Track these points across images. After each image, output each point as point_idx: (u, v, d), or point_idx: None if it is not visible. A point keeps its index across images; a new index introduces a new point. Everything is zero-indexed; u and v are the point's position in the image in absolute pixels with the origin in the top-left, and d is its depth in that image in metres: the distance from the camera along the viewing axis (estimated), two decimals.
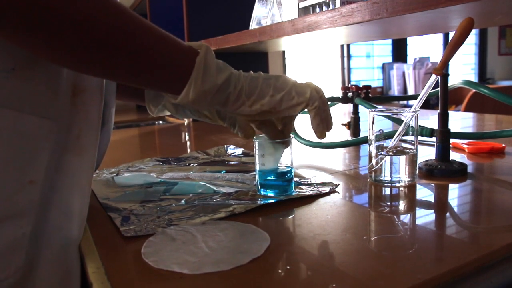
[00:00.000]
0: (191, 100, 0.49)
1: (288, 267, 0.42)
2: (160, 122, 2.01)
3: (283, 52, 2.85)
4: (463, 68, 5.29)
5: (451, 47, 0.62)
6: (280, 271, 0.41)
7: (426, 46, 4.57)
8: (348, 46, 3.87)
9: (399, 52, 4.48)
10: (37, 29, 0.38)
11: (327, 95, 1.19)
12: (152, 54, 0.46)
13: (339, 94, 1.13)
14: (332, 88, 3.75)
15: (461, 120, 1.60)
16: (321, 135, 0.60)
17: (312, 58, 3.75)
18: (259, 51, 1.79)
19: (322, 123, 0.58)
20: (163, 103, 0.64)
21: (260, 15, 1.27)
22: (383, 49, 4.57)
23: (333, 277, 0.40)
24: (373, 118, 0.70)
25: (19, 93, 0.46)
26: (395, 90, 4.06)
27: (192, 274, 0.40)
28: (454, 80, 0.90)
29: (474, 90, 3.09)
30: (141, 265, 0.43)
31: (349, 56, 3.91)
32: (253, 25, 1.28)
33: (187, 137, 1.43)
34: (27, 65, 0.46)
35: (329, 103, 1.19)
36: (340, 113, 1.70)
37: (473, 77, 5.36)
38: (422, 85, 3.80)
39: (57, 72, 0.49)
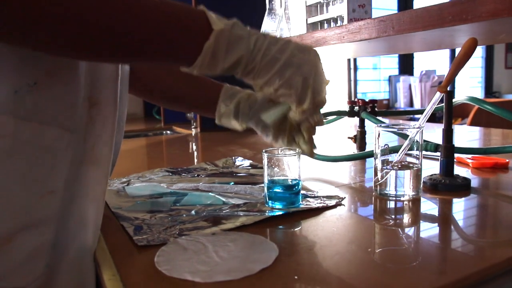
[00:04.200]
0: (197, 73, 0.50)
1: (296, 277, 0.44)
2: (168, 132, 2.04)
3: None
4: (470, 81, 5.30)
5: (455, 66, 0.64)
6: (288, 280, 0.43)
7: (432, 59, 4.59)
8: (355, 58, 3.90)
9: (406, 64, 4.51)
10: (39, 25, 0.39)
11: (334, 108, 1.21)
12: (159, 41, 0.46)
13: (346, 107, 1.15)
14: (338, 99, 3.77)
15: (467, 133, 1.61)
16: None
17: None
18: None
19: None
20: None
21: (269, 29, 1.29)
22: (390, 62, 4.60)
23: (339, 287, 0.41)
24: (379, 133, 0.72)
25: (41, 106, 0.48)
26: (401, 103, 4.08)
27: (204, 283, 0.42)
28: (459, 96, 0.91)
29: None
30: (154, 273, 0.45)
31: (355, 68, 3.93)
32: None
33: (194, 148, 1.45)
34: (48, 79, 0.48)
35: (334, 117, 1.21)
36: (347, 126, 1.71)
37: (479, 90, 5.37)
38: (428, 98, 3.81)
39: (75, 85, 0.51)
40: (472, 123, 2.74)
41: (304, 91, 0.54)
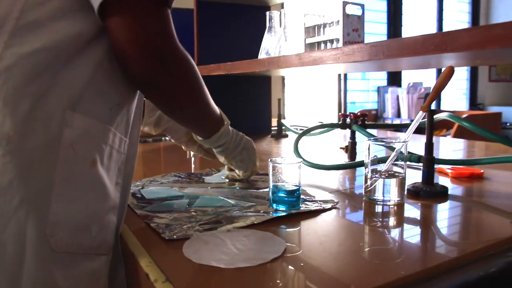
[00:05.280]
0: (207, 144, 0.86)
1: (301, 264, 0.54)
2: (167, 138, 2.13)
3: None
4: (456, 93, 5.46)
5: (435, 90, 0.75)
6: (296, 267, 0.53)
7: (419, 72, 4.74)
8: None
9: (394, 76, 4.65)
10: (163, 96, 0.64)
11: (324, 118, 1.32)
12: (205, 119, 0.79)
13: (335, 116, 1.26)
14: (328, 108, 3.89)
15: (452, 144, 1.73)
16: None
17: (309, 80, 3.89)
18: (264, 75, 1.92)
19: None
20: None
21: (268, 46, 1.40)
22: (379, 73, 4.73)
23: (336, 272, 0.51)
24: (369, 145, 0.82)
25: (119, 121, 0.63)
26: (389, 113, 4.21)
27: (228, 268, 0.52)
28: (446, 106, 1.02)
29: (463, 116, 3.24)
30: (184, 261, 0.55)
31: (345, 79, 4.06)
32: (261, 55, 1.41)
33: (191, 154, 1.52)
34: (127, 100, 0.64)
35: (325, 129, 1.32)
36: (337, 137, 1.82)
37: (464, 101, 5.53)
38: (414, 109, 3.95)
39: (139, 104, 0.69)
40: (456, 135, 2.88)
41: (249, 165, 0.96)
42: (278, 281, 0.50)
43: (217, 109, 0.81)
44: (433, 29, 4.94)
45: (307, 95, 3.87)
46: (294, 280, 0.51)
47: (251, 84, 1.91)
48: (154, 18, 0.57)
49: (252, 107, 1.97)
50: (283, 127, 1.89)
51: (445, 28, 5.01)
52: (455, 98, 5.47)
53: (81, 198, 0.58)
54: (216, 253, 0.56)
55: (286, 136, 1.88)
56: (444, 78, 0.73)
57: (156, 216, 0.73)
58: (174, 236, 0.63)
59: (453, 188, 0.92)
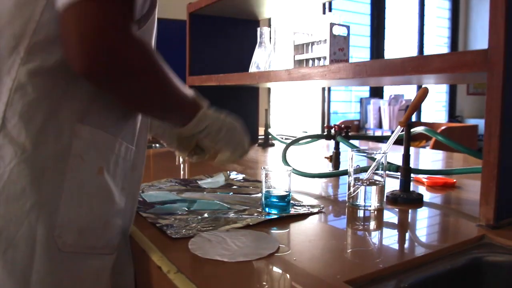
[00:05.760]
0: (183, 134, 0.78)
1: (294, 259, 0.62)
2: (157, 145, 2.19)
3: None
4: (435, 105, 5.63)
5: (412, 108, 0.84)
6: (289, 261, 0.61)
7: (401, 85, 4.89)
8: None
9: (376, 88, 4.79)
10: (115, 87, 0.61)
11: (309, 129, 1.40)
12: (177, 107, 0.73)
13: (319, 128, 1.34)
14: (312, 118, 4.00)
15: (432, 155, 1.83)
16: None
17: (294, 90, 3.99)
18: (252, 86, 2.00)
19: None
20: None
21: (259, 60, 1.48)
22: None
23: (324, 265, 0.60)
24: (353, 156, 0.90)
25: (126, 130, 0.69)
26: (371, 124, 4.33)
27: (230, 262, 0.60)
28: (417, 128, 1.11)
29: (442, 128, 3.35)
30: (191, 256, 0.62)
31: (329, 90, 4.17)
32: (252, 68, 1.50)
33: (181, 161, 1.58)
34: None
35: (310, 139, 1.40)
36: (320, 147, 1.91)
37: (444, 114, 5.70)
38: (396, 120, 4.07)
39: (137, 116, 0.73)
40: (435, 146, 3.00)
41: (237, 147, 0.83)
42: (273, 273, 0.58)
43: (189, 93, 0.75)
44: (414, 40, 5.10)
45: (291, 104, 3.96)
46: (287, 272, 0.59)
47: (239, 94, 1.99)
48: (97, 9, 0.55)
49: (240, 116, 2.04)
50: (270, 136, 1.97)
51: (426, 40, 5.17)
52: (435, 110, 5.64)
53: (87, 203, 0.63)
54: (219, 249, 0.64)
55: (273, 145, 1.96)
56: (419, 97, 0.82)
57: (160, 217, 0.81)
58: (178, 235, 0.71)
59: (428, 196, 1.01)
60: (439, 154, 1.82)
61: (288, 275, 0.58)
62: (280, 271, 0.59)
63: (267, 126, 1.98)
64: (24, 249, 0.58)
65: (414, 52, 5.04)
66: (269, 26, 2.98)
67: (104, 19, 0.55)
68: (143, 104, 0.67)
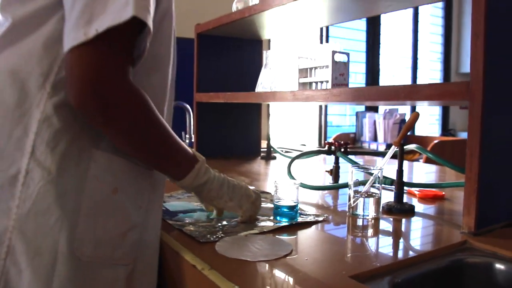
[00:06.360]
0: (184, 187, 0.85)
1: (306, 259, 0.73)
2: None
3: None
4: (429, 118, 5.79)
5: (404, 130, 0.97)
6: (301, 260, 0.73)
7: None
8: None
9: None
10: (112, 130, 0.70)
11: (307, 142, 1.52)
12: (171, 158, 0.80)
13: (315, 140, 1.46)
14: (309, 131, 4.12)
15: (425, 169, 1.95)
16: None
17: (292, 104, 4.11)
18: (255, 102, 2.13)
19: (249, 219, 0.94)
20: None
21: (265, 81, 1.61)
22: None
23: (330, 264, 0.71)
24: (352, 171, 1.02)
25: None
26: (367, 137, 4.46)
27: (253, 261, 0.71)
28: (409, 145, 1.23)
29: (434, 142, 3.46)
30: (219, 256, 0.74)
31: (326, 104, 4.30)
32: (258, 88, 1.62)
33: None
34: None
35: (309, 155, 1.52)
36: (317, 160, 2.03)
37: (437, 127, 5.85)
38: (390, 134, 4.21)
39: None
40: (428, 159, 3.13)
41: (244, 202, 0.92)
42: (290, 270, 0.70)
43: (187, 148, 0.82)
44: (408, 55, 5.26)
45: (289, 118, 4.09)
46: (301, 269, 0.70)
47: (242, 110, 2.11)
48: (96, 59, 0.63)
49: (244, 130, 2.16)
50: (272, 149, 2.09)
51: (420, 55, 5.33)
52: (429, 124, 5.79)
53: (103, 219, 0.72)
54: (242, 251, 0.76)
55: (274, 158, 2.07)
56: (411, 121, 0.95)
57: (185, 224, 0.92)
58: (205, 239, 0.82)
59: (419, 207, 1.13)
60: (433, 168, 1.94)
61: (302, 271, 0.69)
62: (295, 268, 0.71)
63: (269, 139, 2.10)
64: (48, 257, 0.67)
65: (408, 66, 5.21)
66: (269, 46, 3.11)
67: (101, 65, 0.63)
68: (137, 150, 0.74)
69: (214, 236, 0.84)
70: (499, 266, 0.74)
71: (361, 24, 4.79)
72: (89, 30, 0.61)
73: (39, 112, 0.69)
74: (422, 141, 4.04)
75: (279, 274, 0.69)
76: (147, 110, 0.71)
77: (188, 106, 2.27)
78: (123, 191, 0.75)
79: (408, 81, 5.20)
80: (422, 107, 4.69)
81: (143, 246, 0.79)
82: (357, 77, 4.82)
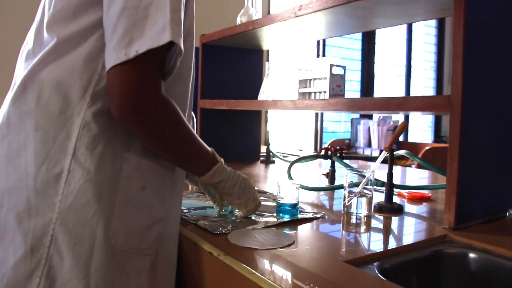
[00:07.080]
0: (202, 182, 0.99)
1: (307, 247, 0.85)
2: None
3: None
4: (422, 125, 5.93)
5: (394, 137, 1.08)
6: (303, 248, 0.84)
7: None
8: None
9: None
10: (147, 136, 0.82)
11: (304, 149, 1.64)
12: (195, 158, 0.92)
13: (311, 145, 1.58)
14: (305, 135, 4.24)
15: (417, 173, 2.07)
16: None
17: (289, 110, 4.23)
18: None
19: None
20: None
21: (267, 89, 1.72)
22: None
23: (329, 251, 0.83)
24: (347, 174, 1.14)
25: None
26: (361, 143, 4.59)
27: (261, 249, 0.83)
28: (399, 151, 1.35)
29: (426, 148, 3.59)
30: (231, 245, 0.85)
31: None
32: (261, 96, 1.74)
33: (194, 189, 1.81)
34: None
35: (307, 159, 1.64)
36: (313, 164, 2.15)
37: (430, 133, 5.99)
38: (384, 140, 4.34)
39: None
40: (419, 166, 3.25)
41: (248, 202, 1.04)
42: (294, 256, 0.81)
43: (208, 149, 0.94)
44: (402, 63, 5.40)
45: (286, 123, 4.21)
46: (303, 255, 0.82)
47: (243, 116, 2.22)
48: (136, 76, 0.73)
49: (244, 135, 2.27)
50: (271, 154, 2.20)
51: (414, 64, 5.47)
52: (422, 130, 5.93)
53: (133, 213, 0.83)
54: (251, 240, 0.87)
55: (273, 162, 2.18)
56: (399, 130, 1.07)
57: (199, 219, 1.03)
58: (218, 231, 0.93)
59: (408, 206, 1.25)
60: (425, 173, 2.06)
61: (304, 257, 0.81)
62: (298, 254, 0.82)
63: (268, 144, 2.21)
64: (87, 245, 0.77)
65: (402, 75, 5.36)
66: (267, 56, 3.24)
67: (139, 81, 0.74)
68: (167, 151, 0.85)
69: (226, 229, 0.95)
70: (472, 255, 0.86)
71: (357, 33, 4.93)
72: (130, 51, 0.72)
73: (79, 119, 0.79)
74: (415, 147, 4.18)
75: (284, 259, 0.80)
76: (176, 119, 0.82)
77: (192, 113, 2.37)
78: (150, 189, 0.85)
79: (402, 89, 5.34)
80: (416, 114, 4.82)
81: (165, 238, 0.89)
82: (353, 85, 4.96)
